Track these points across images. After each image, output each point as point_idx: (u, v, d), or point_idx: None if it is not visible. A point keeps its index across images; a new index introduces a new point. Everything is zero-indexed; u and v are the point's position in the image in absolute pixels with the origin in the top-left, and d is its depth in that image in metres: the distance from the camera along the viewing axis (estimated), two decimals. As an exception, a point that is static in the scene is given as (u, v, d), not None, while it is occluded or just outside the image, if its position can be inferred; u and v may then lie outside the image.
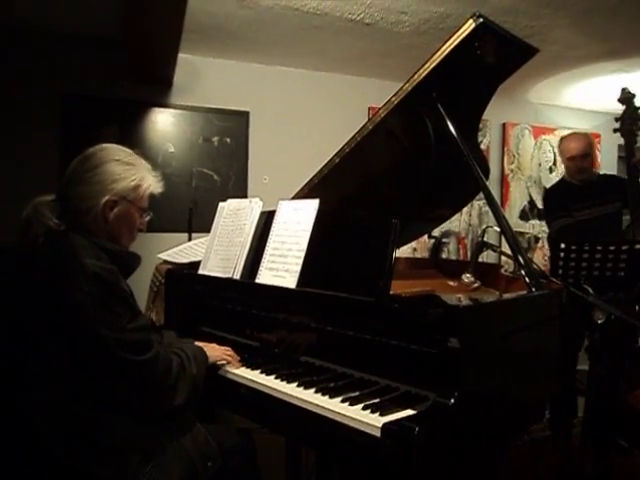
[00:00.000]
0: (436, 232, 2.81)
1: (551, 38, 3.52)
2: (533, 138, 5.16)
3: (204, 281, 1.99)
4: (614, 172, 4.80)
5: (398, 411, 1.23)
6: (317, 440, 1.39)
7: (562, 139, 3.32)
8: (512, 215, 5.01)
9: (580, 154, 3.14)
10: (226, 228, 2.00)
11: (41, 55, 3.51)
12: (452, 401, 1.18)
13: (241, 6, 3.11)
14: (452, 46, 1.72)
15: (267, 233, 1.80)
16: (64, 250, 1.31)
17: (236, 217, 1.98)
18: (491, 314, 1.45)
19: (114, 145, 1.48)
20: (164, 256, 2.47)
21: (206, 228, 2.14)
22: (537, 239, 5.12)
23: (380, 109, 1.89)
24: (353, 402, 1.29)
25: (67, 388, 1.25)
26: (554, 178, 5.23)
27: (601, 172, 3.80)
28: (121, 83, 3.66)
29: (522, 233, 5.00)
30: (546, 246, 4.87)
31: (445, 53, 1.73)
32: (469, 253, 4.78)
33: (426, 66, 1.77)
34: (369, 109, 4.38)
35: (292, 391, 1.40)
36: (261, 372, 1.55)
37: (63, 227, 1.36)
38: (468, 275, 1.98)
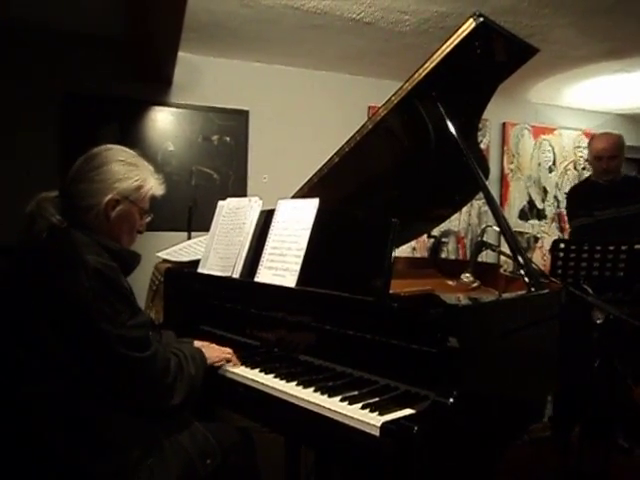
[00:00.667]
0: (435, 231, 2.82)
1: (551, 38, 3.51)
2: (533, 138, 5.16)
3: (203, 280, 1.99)
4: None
5: (397, 410, 1.23)
6: (316, 439, 1.39)
7: (592, 137, 3.24)
8: (511, 215, 5.02)
9: (607, 155, 3.07)
10: (225, 227, 2.00)
11: (41, 54, 3.51)
12: (451, 400, 1.18)
13: (241, 5, 3.10)
14: (452, 45, 1.72)
15: (266, 232, 1.80)
16: (66, 246, 1.31)
17: (235, 216, 1.98)
18: (490, 314, 1.46)
19: (119, 146, 1.49)
20: (163, 255, 2.47)
21: (205, 227, 2.14)
22: (536, 239, 5.12)
23: (380, 108, 1.89)
24: (352, 401, 1.28)
25: (67, 383, 1.26)
26: (554, 178, 5.25)
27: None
28: (121, 82, 3.66)
29: (521, 233, 4.98)
30: (545, 246, 4.86)
31: (445, 52, 1.73)
32: (468, 253, 4.78)
33: (426, 65, 1.77)
34: (369, 108, 4.38)
35: (291, 390, 1.40)
36: (260, 371, 1.55)
37: (65, 224, 1.37)
38: (467, 275, 1.99)
